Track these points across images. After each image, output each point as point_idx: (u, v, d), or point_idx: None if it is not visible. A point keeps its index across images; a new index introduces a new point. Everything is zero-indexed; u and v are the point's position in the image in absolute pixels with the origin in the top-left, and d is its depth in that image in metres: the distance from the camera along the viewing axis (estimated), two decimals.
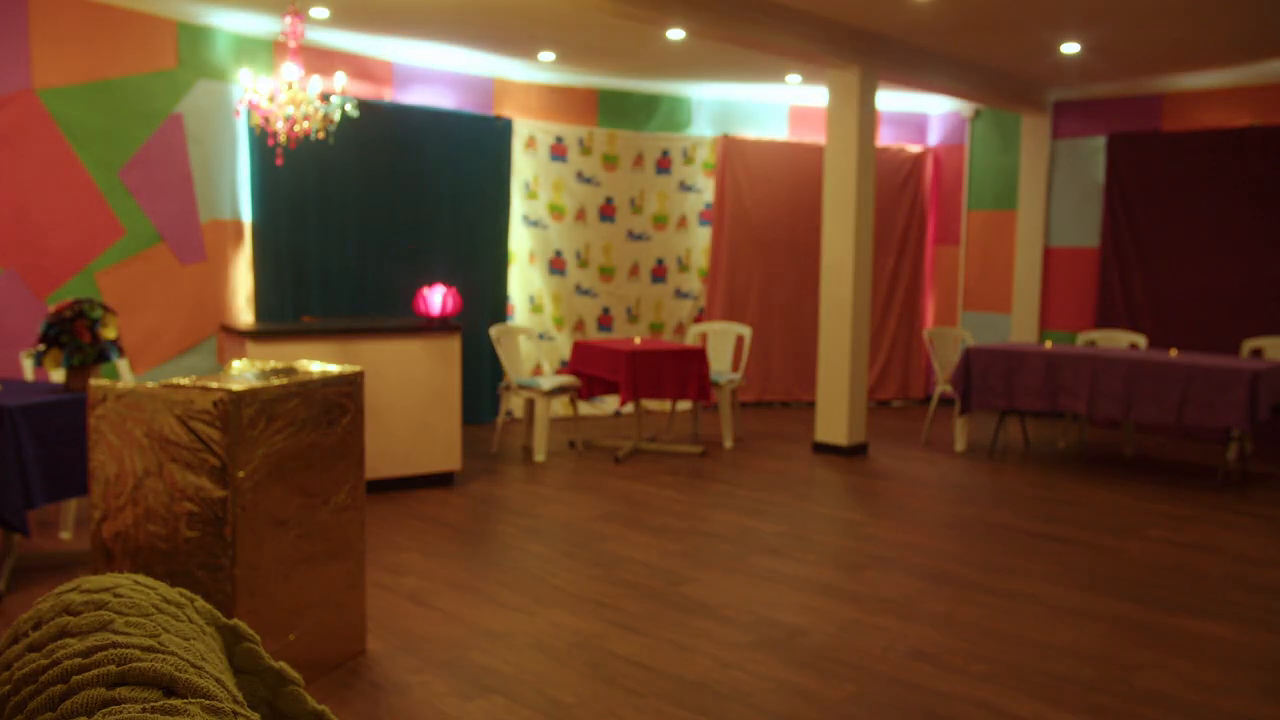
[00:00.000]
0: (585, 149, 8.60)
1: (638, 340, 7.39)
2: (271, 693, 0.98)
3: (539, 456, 6.78)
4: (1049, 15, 6.23)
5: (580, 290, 8.71)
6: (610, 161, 8.72)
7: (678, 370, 6.88)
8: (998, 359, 7.01)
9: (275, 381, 3.08)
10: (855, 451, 7.17)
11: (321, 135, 6.20)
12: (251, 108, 5.75)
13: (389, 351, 5.72)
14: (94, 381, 3.03)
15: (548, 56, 7.58)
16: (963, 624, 3.85)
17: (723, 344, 8.03)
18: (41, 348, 4.31)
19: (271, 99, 5.67)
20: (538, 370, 8.08)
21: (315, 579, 3.24)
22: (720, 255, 9.02)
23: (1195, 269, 8.12)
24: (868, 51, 6.92)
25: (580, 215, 8.64)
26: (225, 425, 2.85)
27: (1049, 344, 7.45)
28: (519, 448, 7.19)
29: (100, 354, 4.32)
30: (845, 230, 7.05)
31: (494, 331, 7.17)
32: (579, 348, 7.23)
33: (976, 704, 3.14)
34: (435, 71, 7.86)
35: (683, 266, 9.08)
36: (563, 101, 8.54)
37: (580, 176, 8.60)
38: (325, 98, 5.98)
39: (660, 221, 8.96)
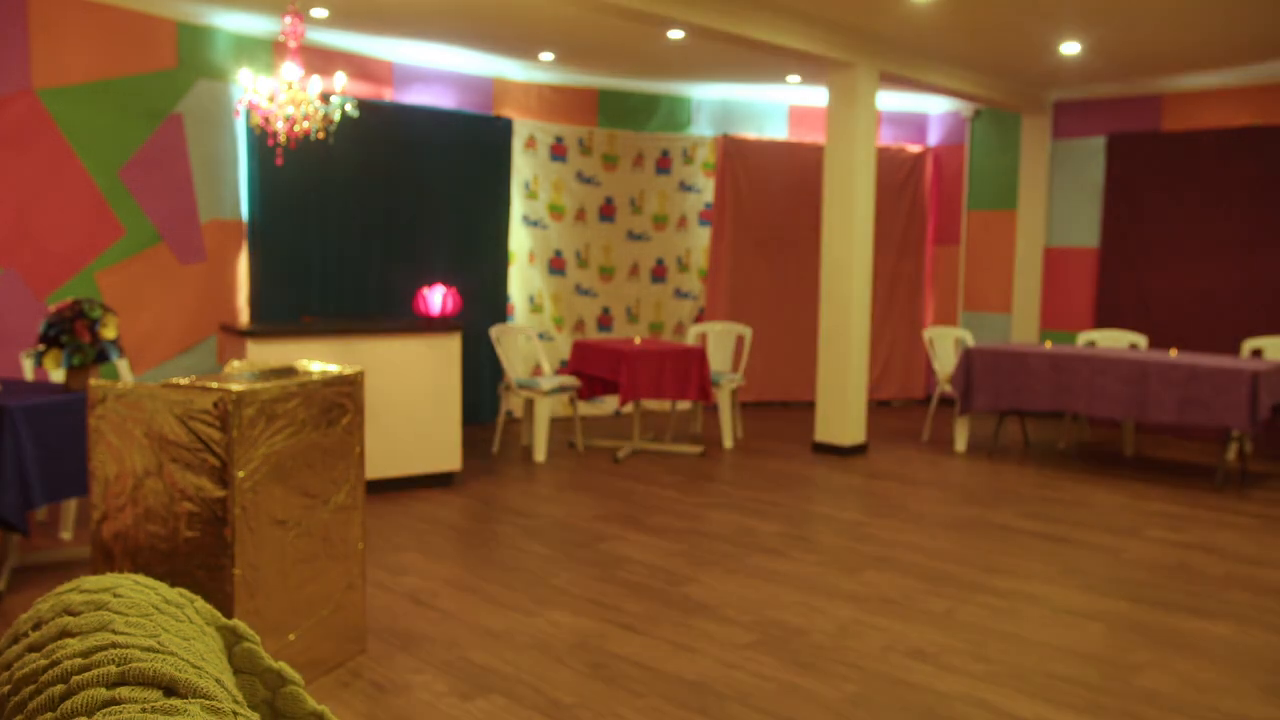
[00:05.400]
0: (585, 149, 8.60)
1: (638, 340, 7.39)
2: (271, 693, 0.98)
3: (539, 456, 6.78)
4: (1049, 15, 6.22)
5: (580, 290, 8.71)
6: (610, 161, 8.72)
7: (678, 370, 6.88)
8: (998, 359, 7.01)
9: (275, 381, 3.08)
10: (855, 451, 7.17)
11: (321, 135, 6.20)
12: (251, 108, 5.74)
13: (389, 351, 5.72)
14: (94, 381, 3.03)
15: (548, 56, 7.58)
16: (963, 624, 3.85)
17: (723, 344, 8.03)
18: (41, 348, 4.31)
19: (271, 99, 5.66)
20: (538, 370, 8.08)
21: (315, 579, 3.24)
22: (720, 255, 9.02)
23: (1195, 269, 8.12)
24: (868, 51, 6.92)
25: (580, 215, 8.64)
26: (225, 425, 2.85)
27: (1049, 344, 7.45)
28: (519, 448, 7.18)
29: (100, 354, 4.32)
30: (845, 230, 7.05)
31: (494, 331, 7.17)
32: (579, 348, 7.23)
33: (976, 704, 3.14)
34: (435, 71, 7.86)
35: (683, 266, 9.08)
36: (563, 101, 8.54)
37: (580, 176, 8.60)
38: (325, 98, 5.98)
39: (660, 221, 8.96)
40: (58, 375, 5.06)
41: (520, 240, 8.36)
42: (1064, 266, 8.94)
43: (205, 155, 6.60)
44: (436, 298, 5.99)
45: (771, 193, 9.15)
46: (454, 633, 3.67)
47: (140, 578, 0.97)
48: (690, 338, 8.18)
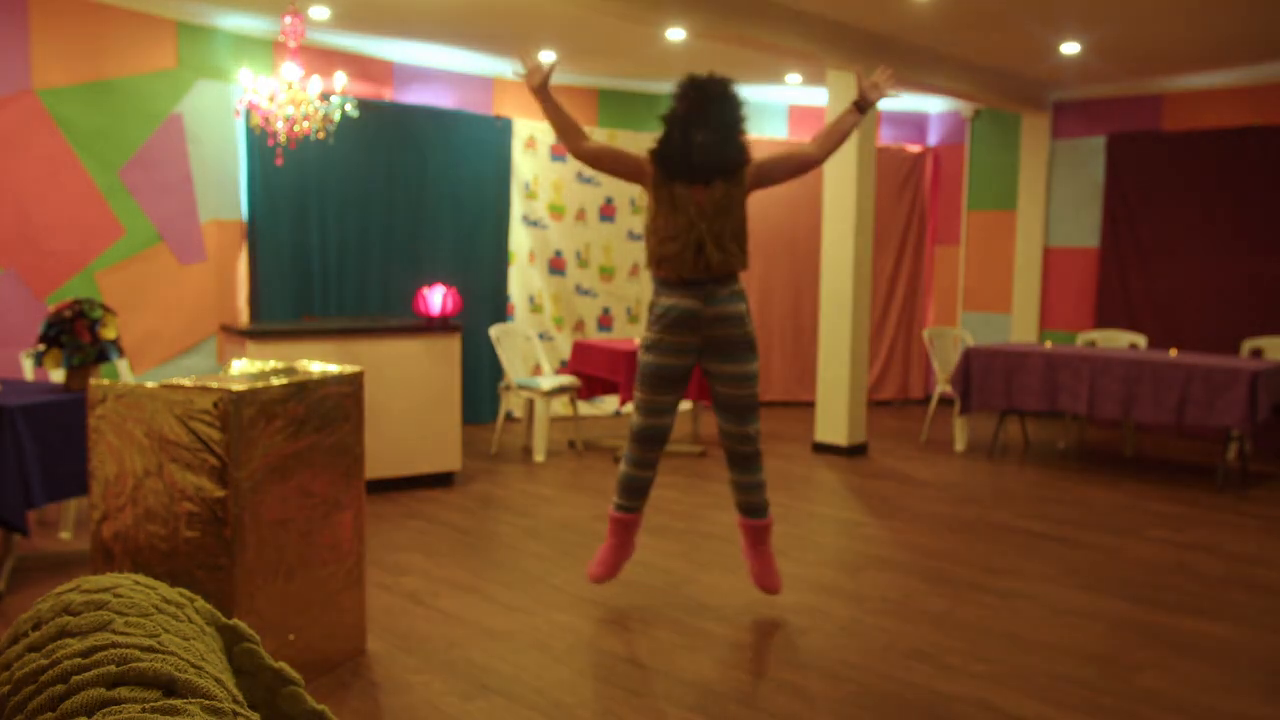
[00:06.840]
0: None
1: (638, 340, 7.39)
2: (271, 693, 0.98)
3: (539, 456, 6.78)
4: (1049, 15, 6.22)
5: (580, 290, 8.71)
6: None
7: None
8: (998, 359, 7.01)
9: (275, 381, 3.08)
10: (855, 451, 7.17)
11: (321, 135, 6.20)
12: (251, 108, 5.75)
13: (389, 351, 5.72)
14: (94, 381, 3.02)
15: (548, 56, 7.58)
16: (963, 624, 3.85)
17: None
18: (41, 348, 4.31)
19: (271, 99, 5.67)
20: (538, 370, 8.08)
21: (315, 579, 3.24)
22: None
23: (1195, 269, 8.12)
24: (868, 51, 6.91)
25: (580, 215, 8.64)
26: (225, 425, 2.85)
27: (1049, 344, 7.45)
28: (519, 448, 7.18)
29: (100, 354, 4.32)
30: (845, 230, 7.05)
31: (494, 331, 7.17)
32: (579, 348, 7.23)
33: (976, 704, 3.14)
34: (435, 71, 7.86)
35: None
36: (563, 101, 8.49)
37: (580, 176, 8.60)
38: (325, 98, 5.99)
39: None
40: (58, 375, 5.06)
41: (520, 240, 8.35)
42: (1064, 266, 8.94)
43: (205, 155, 6.59)
44: (436, 298, 5.99)
45: (770, 193, 9.12)
46: (454, 633, 3.67)
47: (140, 577, 0.97)
48: None
